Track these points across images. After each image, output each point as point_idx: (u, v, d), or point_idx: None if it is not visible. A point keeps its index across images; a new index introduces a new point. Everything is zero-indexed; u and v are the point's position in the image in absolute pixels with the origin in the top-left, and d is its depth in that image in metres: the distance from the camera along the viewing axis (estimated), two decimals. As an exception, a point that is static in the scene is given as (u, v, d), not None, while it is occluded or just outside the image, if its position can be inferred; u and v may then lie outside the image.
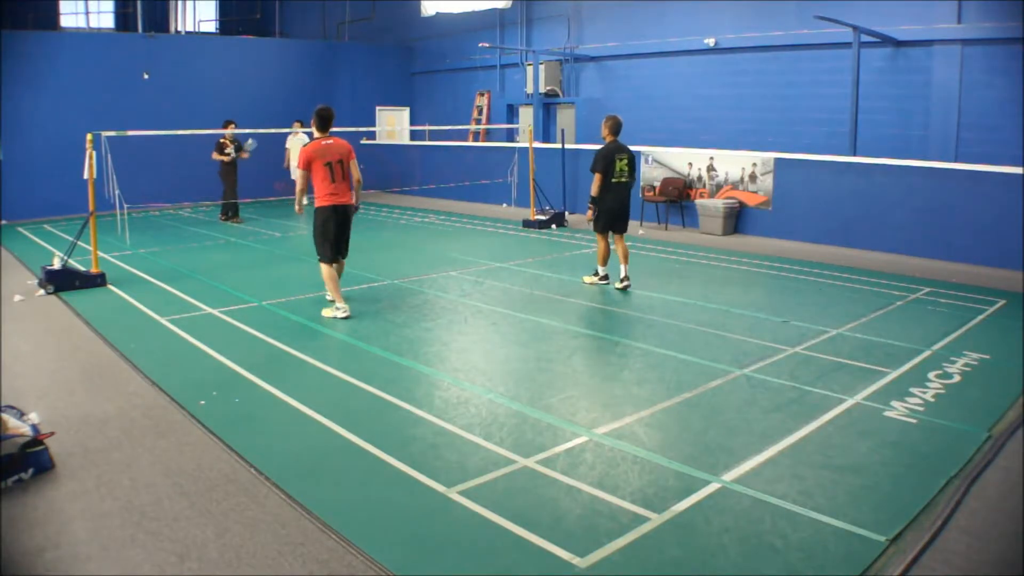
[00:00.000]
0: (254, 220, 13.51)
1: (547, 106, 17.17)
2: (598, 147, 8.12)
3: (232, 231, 12.68)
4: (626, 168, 7.92)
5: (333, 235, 6.90)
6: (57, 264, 8.17)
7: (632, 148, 8.32)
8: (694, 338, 6.41)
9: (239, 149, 13.31)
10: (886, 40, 11.52)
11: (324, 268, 6.99)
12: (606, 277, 8.29)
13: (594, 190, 7.88)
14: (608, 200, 7.93)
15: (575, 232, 12.49)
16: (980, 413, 4.66)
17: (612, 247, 8.24)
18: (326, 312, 7.02)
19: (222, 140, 13.21)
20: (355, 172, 7.05)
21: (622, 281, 8.08)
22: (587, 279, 8.42)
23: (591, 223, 8.11)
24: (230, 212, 13.68)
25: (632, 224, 8.64)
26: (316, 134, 6.95)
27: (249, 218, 13.92)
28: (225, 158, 13.20)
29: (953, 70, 11.03)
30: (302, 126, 13.83)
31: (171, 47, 16.91)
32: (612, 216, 8.02)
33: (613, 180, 7.87)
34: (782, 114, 13.06)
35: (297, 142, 14.21)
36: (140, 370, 5.49)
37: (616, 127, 8.00)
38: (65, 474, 3.86)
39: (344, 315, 6.88)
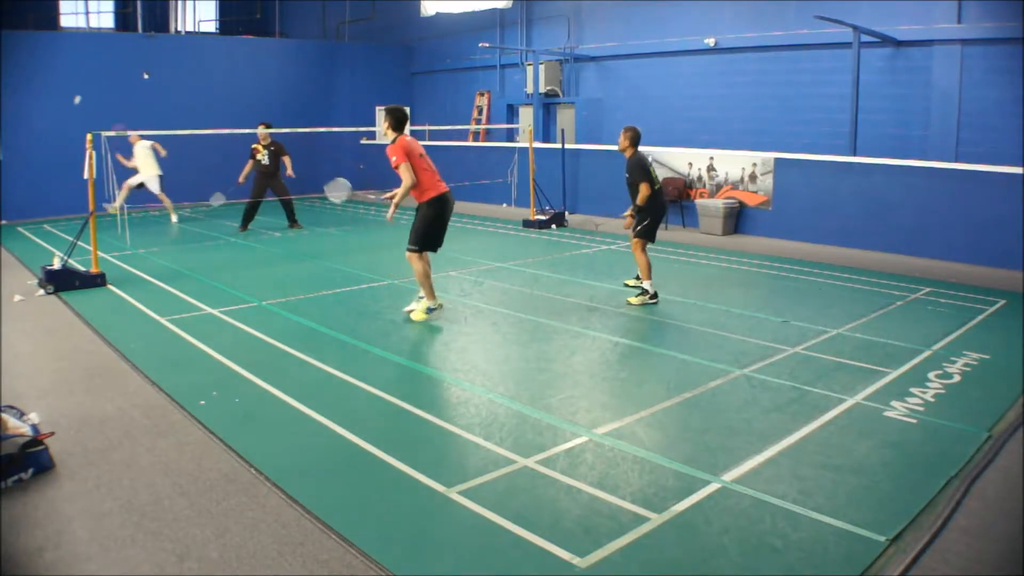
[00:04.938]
0: (257, 220, 13.43)
1: (547, 106, 17.16)
2: (598, 147, 8.03)
3: (231, 231, 12.66)
4: (655, 173, 7.56)
5: (443, 225, 6.70)
6: (57, 264, 8.17)
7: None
8: (694, 338, 6.41)
9: (277, 153, 12.26)
10: (886, 40, 11.52)
11: (419, 262, 6.68)
12: (656, 295, 7.50)
13: (642, 200, 7.36)
14: (659, 207, 7.54)
15: (575, 232, 12.48)
16: (980, 413, 4.66)
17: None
18: (416, 315, 6.79)
19: (254, 146, 12.24)
20: None
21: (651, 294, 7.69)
22: (634, 300, 7.45)
23: (637, 229, 7.48)
24: (290, 220, 12.68)
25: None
26: (391, 134, 6.81)
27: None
28: (251, 163, 12.26)
29: (953, 70, 11.02)
30: (140, 139, 12.43)
31: (171, 47, 16.90)
32: (658, 223, 7.62)
33: (656, 187, 7.45)
34: (782, 114, 13.04)
35: (139, 149, 12.53)
36: (140, 370, 5.49)
37: (637, 138, 7.54)
38: (65, 474, 3.86)
39: (430, 308, 6.79)
